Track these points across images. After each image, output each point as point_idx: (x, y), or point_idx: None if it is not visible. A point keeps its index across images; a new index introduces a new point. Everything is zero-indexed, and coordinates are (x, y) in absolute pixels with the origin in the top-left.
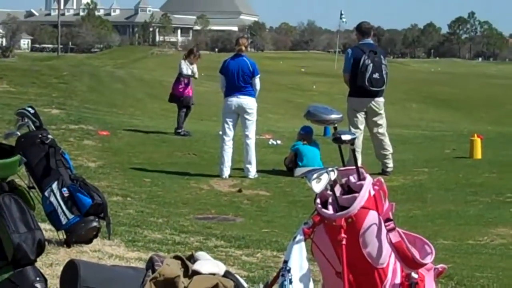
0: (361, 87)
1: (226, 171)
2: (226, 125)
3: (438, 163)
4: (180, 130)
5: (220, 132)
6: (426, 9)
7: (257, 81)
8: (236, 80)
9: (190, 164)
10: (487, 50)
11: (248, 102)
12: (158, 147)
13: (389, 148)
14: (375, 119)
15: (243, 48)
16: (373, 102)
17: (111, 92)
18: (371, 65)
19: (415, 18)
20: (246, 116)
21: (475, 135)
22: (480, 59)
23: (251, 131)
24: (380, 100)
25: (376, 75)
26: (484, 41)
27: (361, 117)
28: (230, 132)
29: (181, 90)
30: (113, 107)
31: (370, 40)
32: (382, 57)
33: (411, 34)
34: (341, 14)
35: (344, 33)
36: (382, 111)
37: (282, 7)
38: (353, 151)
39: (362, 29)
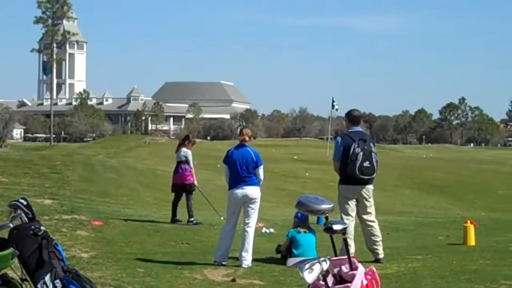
0: (351, 176)
1: (222, 258)
2: (229, 215)
3: (431, 250)
4: (192, 219)
5: (223, 219)
6: (417, 95)
7: (260, 171)
8: (240, 170)
9: (183, 254)
10: (479, 136)
11: (254, 192)
12: (151, 237)
13: (379, 235)
14: (365, 206)
15: (247, 138)
16: (364, 190)
17: (104, 182)
18: (361, 153)
19: (406, 105)
20: (250, 205)
21: (468, 221)
22: (471, 144)
23: (253, 220)
24: (370, 187)
25: (366, 164)
26: (475, 127)
27: (352, 204)
28: (233, 221)
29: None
30: (106, 197)
31: (359, 128)
32: (371, 145)
33: (403, 121)
34: (333, 101)
35: (336, 120)
36: (371, 199)
37: (273, 94)
38: (345, 240)
39: (352, 117)
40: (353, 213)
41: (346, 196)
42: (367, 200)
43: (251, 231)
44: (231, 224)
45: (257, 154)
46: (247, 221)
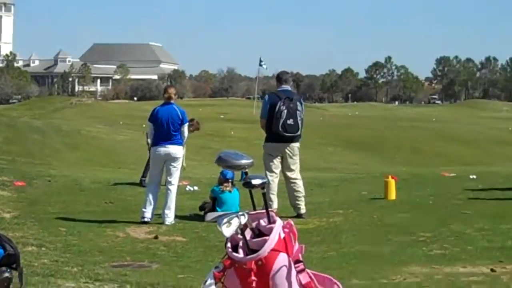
0: (275, 133)
1: (148, 214)
2: (153, 173)
3: (353, 205)
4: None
5: (142, 179)
6: (343, 54)
7: (185, 129)
8: (166, 128)
9: (106, 213)
10: (404, 94)
11: (176, 151)
12: (75, 196)
13: (302, 191)
14: (289, 163)
15: (172, 96)
16: (288, 148)
17: (28, 143)
18: (285, 111)
19: (333, 64)
20: (172, 163)
21: (389, 176)
22: (396, 102)
23: (175, 178)
24: (295, 145)
25: (290, 121)
26: (401, 85)
27: (276, 162)
28: (157, 179)
29: None
30: (30, 158)
31: (288, 87)
32: (298, 103)
33: (329, 79)
34: (261, 61)
35: (263, 79)
36: (296, 157)
37: (202, 55)
38: (264, 194)
39: (280, 77)
40: (277, 170)
41: (270, 153)
42: (291, 158)
43: (173, 189)
44: (155, 182)
45: (183, 111)
46: (169, 179)
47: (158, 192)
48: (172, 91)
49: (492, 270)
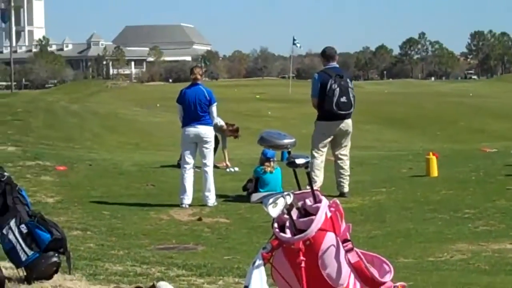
0: (329, 111)
1: (187, 200)
2: (185, 155)
3: (395, 183)
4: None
5: (180, 162)
6: (377, 31)
7: (214, 109)
8: (193, 109)
9: (148, 195)
10: (439, 70)
11: (206, 132)
12: (116, 180)
13: (348, 170)
14: (341, 141)
15: (198, 76)
16: (342, 124)
17: (67, 127)
18: (337, 89)
19: (366, 41)
20: (204, 145)
21: (431, 153)
22: (432, 78)
23: (209, 159)
24: (349, 121)
25: (343, 99)
26: (436, 61)
27: (326, 140)
28: (190, 161)
29: None
30: (70, 142)
31: (335, 64)
32: (348, 80)
33: (364, 57)
34: (294, 40)
35: (297, 58)
36: (349, 134)
37: (234, 35)
38: (308, 174)
39: (326, 54)
40: (325, 149)
41: (323, 132)
42: (345, 134)
43: (209, 170)
44: (189, 165)
45: (210, 92)
46: (204, 161)
47: (193, 176)
48: (198, 71)
49: None
